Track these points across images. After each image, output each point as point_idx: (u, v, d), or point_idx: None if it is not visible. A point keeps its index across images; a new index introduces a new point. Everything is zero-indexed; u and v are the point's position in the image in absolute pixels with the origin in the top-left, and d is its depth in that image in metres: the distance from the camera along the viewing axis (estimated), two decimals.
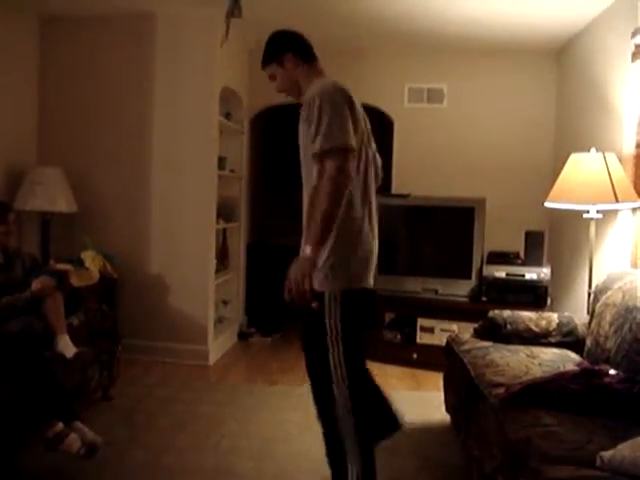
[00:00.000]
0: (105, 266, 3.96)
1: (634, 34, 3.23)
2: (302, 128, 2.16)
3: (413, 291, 4.45)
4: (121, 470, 2.62)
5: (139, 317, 4.22)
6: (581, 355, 2.82)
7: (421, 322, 4.38)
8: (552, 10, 3.87)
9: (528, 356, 2.74)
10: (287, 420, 3.19)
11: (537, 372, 2.48)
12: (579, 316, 3.18)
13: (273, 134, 6.02)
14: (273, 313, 5.16)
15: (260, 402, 3.50)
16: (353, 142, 2.01)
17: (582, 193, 3.15)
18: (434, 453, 2.86)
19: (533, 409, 2.08)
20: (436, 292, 4.42)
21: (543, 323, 3.04)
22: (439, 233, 4.58)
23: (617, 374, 2.27)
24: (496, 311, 3.16)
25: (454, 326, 4.24)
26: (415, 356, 4.33)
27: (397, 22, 4.24)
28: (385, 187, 4.71)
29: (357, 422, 2.14)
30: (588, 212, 3.28)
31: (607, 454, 1.65)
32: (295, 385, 3.82)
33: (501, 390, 2.28)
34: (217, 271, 4.53)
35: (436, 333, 4.31)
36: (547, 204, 3.44)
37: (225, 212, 4.74)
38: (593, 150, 3.22)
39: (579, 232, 3.88)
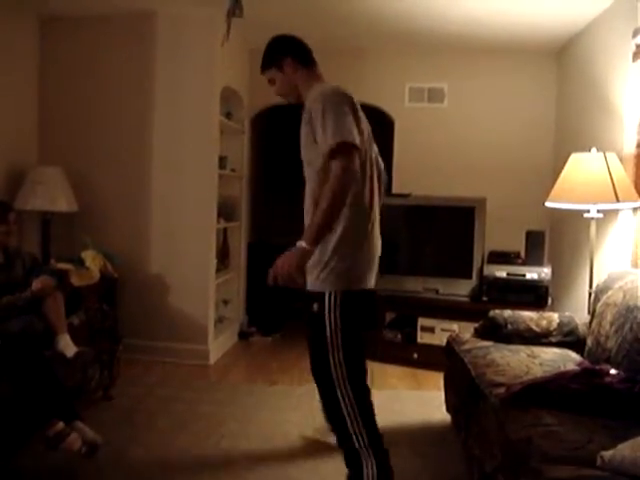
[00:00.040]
0: (105, 266, 3.96)
1: (635, 34, 3.22)
2: (303, 131, 2.18)
3: (414, 291, 4.45)
4: (121, 469, 2.62)
5: (139, 317, 4.22)
6: (582, 355, 2.82)
7: (422, 322, 4.38)
8: (552, 10, 3.87)
9: (529, 356, 2.73)
10: (287, 420, 3.19)
11: (538, 372, 2.48)
12: (580, 316, 3.18)
13: (274, 133, 6.02)
14: (273, 313, 5.17)
15: (260, 402, 3.50)
16: (358, 140, 2.02)
17: (583, 193, 3.15)
18: (434, 452, 2.86)
19: (534, 409, 2.08)
20: (437, 292, 4.42)
21: (544, 323, 3.04)
22: (440, 233, 4.58)
23: (618, 374, 2.27)
24: (497, 311, 3.16)
25: (455, 326, 4.24)
26: (416, 356, 4.33)
27: (397, 21, 4.24)
28: (385, 187, 4.72)
29: (364, 422, 2.16)
30: (589, 212, 3.28)
31: (607, 454, 1.65)
32: (295, 385, 3.83)
33: (502, 390, 2.28)
34: (217, 270, 4.53)
35: (437, 333, 4.31)
36: (548, 204, 3.44)
37: (226, 211, 4.74)
38: (594, 150, 3.22)
39: (580, 232, 3.87)
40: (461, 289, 4.35)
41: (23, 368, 2.52)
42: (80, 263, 3.83)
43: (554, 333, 3.00)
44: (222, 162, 4.49)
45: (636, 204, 3.14)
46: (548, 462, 1.70)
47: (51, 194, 3.91)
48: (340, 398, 2.16)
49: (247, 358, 4.52)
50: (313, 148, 2.11)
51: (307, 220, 2.21)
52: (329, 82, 2.29)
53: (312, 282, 2.20)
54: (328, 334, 2.14)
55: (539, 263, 4.19)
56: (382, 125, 4.98)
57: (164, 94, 4.23)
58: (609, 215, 3.45)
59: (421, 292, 4.44)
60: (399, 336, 4.49)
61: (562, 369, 2.49)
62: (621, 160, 3.22)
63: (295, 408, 3.35)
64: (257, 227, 5.71)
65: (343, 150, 1.98)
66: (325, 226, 2.00)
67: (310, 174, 2.23)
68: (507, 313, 3.12)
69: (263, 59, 2.40)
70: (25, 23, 4.21)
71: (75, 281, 3.60)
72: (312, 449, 2.87)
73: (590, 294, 3.17)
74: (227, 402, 3.47)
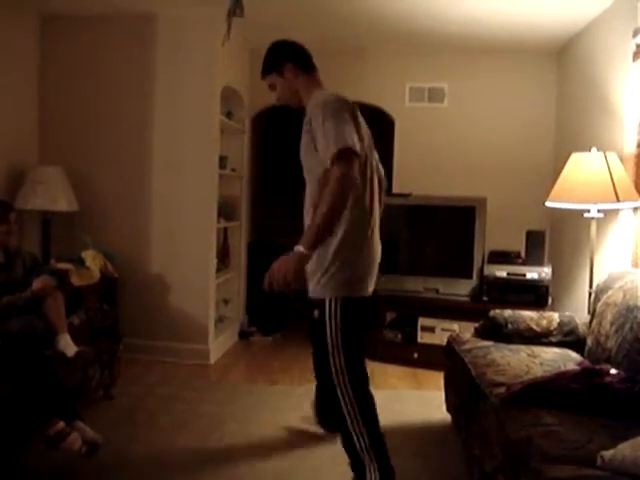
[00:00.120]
0: (106, 265, 3.96)
1: (635, 34, 3.23)
2: (304, 139, 2.19)
3: (414, 290, 4.45)
4: (122, 469, 2.63)
5: (140, 316, 4.22)
6: (582, 354, 2.82)
7: (422, 321, 4.38)
8: (552, 10, 3.87)
9: (529, 355, 2.74)
10: (288, 419, 3.19)
11: (538, 371, 2.48)
12: (580, 315, 3.18)
13: (274, 133, 6.02)
14: (274, 312, 5.17)
15: (261, 401, 3.50)
16: (357, 147, 2.03)
17: (583, 192, 3.15)
18: (435, 452, 2.86)
19: (534, 408, 2.08)
20: (437, 291, 4.42)
21: (544, 322, 3.04)
22: (440, 233, 4.58)
23: (618, 373, 2.27)
24: (497, 310, 3.16)
25: (455, 325, 4.24)
26: (416, 355, 4.33)
27: (398, 21, 4.23)
28: (385, 193, 4.72)
29: (365, 422, 2.17)
30: (589, 211, 3.28)
31: (608, 454, 1.65)
32: (295, 385, 3.83)
33: (502, 389, 2.28)
34: (218, 270, 4.53)
35: (437, 332, 4.31)
36: (548, 203, 3.44)
37: (226, 211, 4.74)
38: (594, 149, 3.22)
39: (580, 231, 3.87)
40: (461, 289, 4.35)
41: (23, 368, 2.52)
42: (80, 263, 3.84)
43: (554, 333, 3.00)
44: (222, 162, 4.49)
45: (636, 204, 3.14)
46: (548, 462, 1.70)
47: (51, 194, 3.91)
48: (340, 398, 2.17)
49: (247, 358, 4.52)
50: (313, 156, 2.13)
51: (307, 223, 2.22)
52: (329, 88, 2.31)
53: (313, 288, 2.22)
54: (329, 340, 2.16)
55: (539, 263, 4.19)
56: (382, 125, 4.99)
57: (164, 94, 4.23)
58: (609, 215, 3.45)
59: (421, 292, 4.44)
60: (399, 336, 4.49)
61: (562, 369, 2.49)
62: (621, 160, 3.22)
63: (295, 408, 3.35)
64: (257, 227, 5.71)
65: (343, 156, 1.98)
66: (324, 230, 2.00)
67: (310, 180, 2.25)
68: (507, 313, 3.12)
69: (264, 64, 2.42)
70: (25, 22, 4.21)
71: (75, 281, 3.60)
72: (312, 449, 2.87)
73: (590, 294, 3.17)
74: (227, 402, 3.47)
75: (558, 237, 4.59)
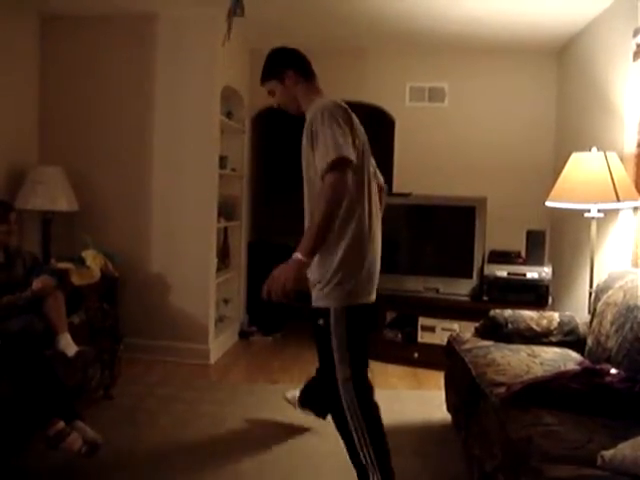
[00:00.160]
0: (106, 265, 3.96)
1: (635, 33, 3.22)
2: (305, 149, 2.21)
3: (414, 290, 4.45)
4: (122, 469, 2.63)
5: (140, 316, 4.22)
6: (582, 354, 2.82)
7: (422, 321, 4.38)
8: (553, 9, 3.87)
9: (529, 355, 2.74)
10: (288, 418, 3.19)
11: (538, 371, 2.48)
12: (580, 315, 3.18)
13: (274, 133, 6.02)
14: (274, 312, 5.16)
15: (261, 401, 3.50)
16: (352, 156, 2.06)
17: (583, 192, 3.15)
18: (435, 452, 2.87)
19: (534, 408, 2.08)
20: (437, 291, 4.42)
21: (544, 322, 3.04)
22: (440, 232, 4.58)
23: (618, 373, 2.27)
24: (497, 310, 3.16)
25: (455, 325, 4.24)
26: (416, 355, 4.33)
27: (398, 21, 4.23)
28: (388, 189, 4.72)
29: (372, 438, 2.20)
30: (589, 211, 3.28)
31: (608, 453, 1.65)
32: (296, 384, 3.82)
33: (502, 389, 2.28)
34: (218, 270, 4.53)
35: (437, 332, 4.32)
36: (548, 203, 3.44)
37: (226, 211, 4.74)
38: (594, 149, 3.22)
39: (580, 231, 3.87)
40: (462, 288, 4.35)
41: (23, 367, 2.52)
42: (81, 262, 3.83)
43: (554, 332, 3.00)
44: (222, 162, 4.49)
45: (636, 203, 3.14)
46: (548, 461, 1.70)
47: (51, 194, 3.91)
48: (347, 412, 2.20)
49: (248, 357, 4.52)
50: (312, 162, 2.15)
51: (307, 226, 2.24)
52: (329, 87, 2.33)
53: (316, 297, 2.23)
54: (335, 348, 2.20)
55: (540, 263, 4.19)
56: (383, 125, 4.99)
57: (164, 94, 4.23)
58: (610, 215, 3.45)
59: (422, 291, 4.44)
60: (400, 335, 4.49)
61: (562, 368, 2.49)
62: (622, 159, 3.22)
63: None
64: (257, 226, 5.71)
65: (337, 165, 2.02)
66: (320, 237, 2.03)
67: (310, 191, 2.26)
68: (507, 312, 3.12)
69: (263, 71, 2.44)
70: (26, 22, 4.21)
71: (76, 280, 3.60)
72: (313, 448, 2.87)
73: (590, 293, 3.17)
74: (228, 401, 3.48)
75: (558, 237, 4.59)
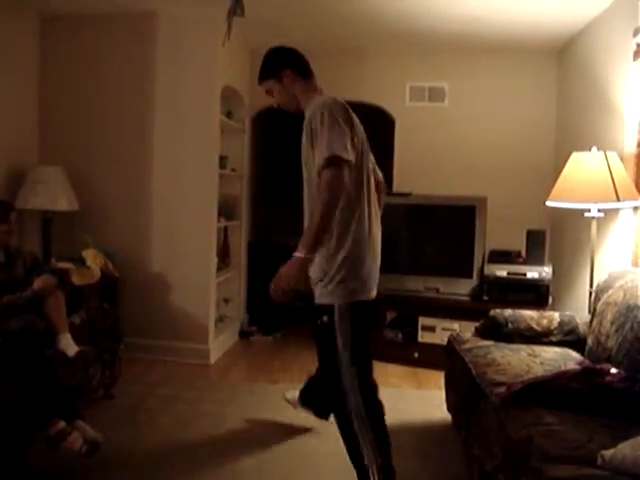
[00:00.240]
0: (106, 264, 3.96)
1: (635, 33, 3.22)
2: (305, 147, 2.22)
3: (414, 290, 4.45)
4: (122, 468, 2.63)
5: (140, 315, 4.23)
6: (582, 354, 2.82)
7: (422, 321, 4.38)
8: (553, 9, 3.87)
9: (529, 355, 2.74)
10: (288, 418, 3.19)
11: (538, 371, 2.49)
12: (580, 315, 3.18)
13: (274, 133, 6.01)
14: (274, 312, 5.16)
15: (261, 401, 3.50)
16: (350, 155, 2.09)
17: (583, 192, 3.15)
18: (435, 451, 2.87)
19: (534, 408, 2.09)
20: (437, 291, 4.42)
21: (544, 322, 3.04)
22: (440, 232, 4.58)
23: (618, 373, 2.27)
24: (497, 310, 3.16)
25: (455, 325, 4.24)
26: (416, 355, 4.33)
27: (398, 21, 4.23)
28: (386, 186, 4.72)
29: (371, 422, 2.20)
30: (589, 211, 3.28)
31: (608, 453, 1.65)
32: (296, 383, 3.81)
33: (502, 389, 2.28)
34: (218, 269, 4.53)
35: (437, 332, 4.32)
36: (548, 203, 3.44)
37: (226, 210, 4.74)
38: (594, 149, 3.22)
39: (580, 231, 3.87)
40: (462, 288, 4.35)
41: (24, 367, 2.52)
42: (81, 262, 3.84)
43: (555, 332, 3.01)
44: (222, 161, 4.49)
45: (637, 203, 3.14)
46: (549, 461, 1.70)
47: (52, 193, 3.91)
48: (352, 414, 2.21)
49: (248, 357, 4.52)
50: (312, 159, 2.17)
51: (306, 221, 2.26)
52: (329, 87, 2.35)
53: (320, 294, 2.25)
54: (340, 344, 2.22)
55: (540, 262, 4.19)
56: (383, 124, 4.99)
57: (164, 94, 4.23)
58: (610, 214, 3.45)
59: (422, 291, 4.44)
60: (400, 335, 4.49)
61: (563, 368, 2.49)
62: (622, 159, 3.22)
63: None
64: (257, 226, 5.71)
65: (334, 162, 2.04)
66: (320, 233, 2.05)
67: (309, 189, 2.28)
68: (508, 312, 3.12)
69: (261, 70, 2.46)
70: (26, 22, 4.21)
71: (76, 280, 3.60)
72: (313, 448, 2.87)
73: (591, 293, 3.18)
74: (228, 401, 3.48)
75: (558, 236, 4.59)
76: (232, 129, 4.83)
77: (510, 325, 3.04)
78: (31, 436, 2.53)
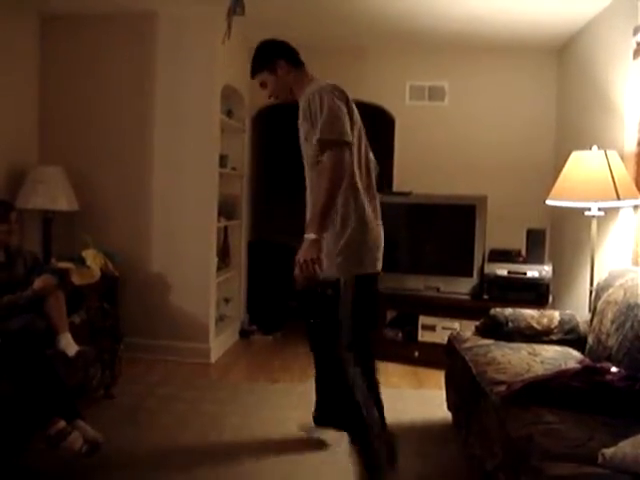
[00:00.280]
0: (106, 264, 3.96)
1: (635, 32, 3.22)
2: (304, 127, 2.26)
3: (415, 289, 4.45)
4: (123, 468, 2.63)
5: (141, 315, 4.23)
6: (583, 353, 2.82)
7: (423, 320, 4.39)
8: (553, 8, 3.87)
9: (530, 354, 2.73)
10: (288, 418, 3.19)
11: (539, 370, 2.48)
12: (581, 314, 3.18)
13: (274, 132, 6.01)
14: (274, 311, 5.17)
15: (262, 400, 3.50)
16: (349, 137, 2.17)
17: (583, 191, 3.15)
18: (435, 451, 2.87)
19: (534, 407, 2.08)
20: (438, 290, 4.42)
21: (545, 321, 3.04)
22: (441, 231, 4.58)
23: (619, 372, 2.27)
24: (498, 309, 3.16)
25: (456, 324, 4.23)
26: (417, 354, 4.33)
27: (398, 20, 4.23)
28: (387, 185, 4.72)
29: (367, 383, 2.30)
30: (589, 210, 3.28)
31: (609, 451, 1.65)
32: (296, 383, 3.83)
33: (503, 388, 2.28)
34: (218, 269, 4.53)
35: (438, 331, 4.31)
36: (548, 202, 3.44)
37: (226, 210, 4.74)
38: (595, 148, 3.22)
39: (580, 230, 3.87)
40: (462, 287, 4.35)
41: (24, 367, 2.52)
42: (81, 262, 3.84)
43: (555, 331, 3.00)
44: (223, 161, 4.49)
45: (637, 202, 3.14)
46: (549, 460, 1.70)
47: (52, 193, 3.91)
48: (350, 380, 2.28)
49: (248, 356, 4.53)
50: (311, 143, 2.24)
51: (309, 200, 2.39)
52: (321, 80, 2.40)
53: (326, 268, 2.30)
54: (341, 314, 2.29)
55: (540, 261, 4.19)
56: (383, 123, 4.99)
57: (165, 93, 4.23)
58: (610, 213, 3.45)
59: (422, 290, 4.44)
60: (400, 334, 4.49)
61: (563, 367, 2.49)
62: (622, 158, 3.21)
63: (296, 406, 3.35)
64: (258, 225, 5.71)
65: (335, 144, 2.13)
66: (326, 213, 2.15)
67: (310, 172, 2.33)
68: (508, 311, 3.12)
69: (254, 63, 2.51)
70: (26, 22, 4.21)
71: (76, 280, 3.60)
72: (314, 447, 2.87)
73: (591, 292, 3.17)
74: (228, 400, 3.48)
75: (559, 235, 4.59)
76: (232, 128, 4.83)
77: (510, 324, 3.04)
78: (31, 436, 2.53)
